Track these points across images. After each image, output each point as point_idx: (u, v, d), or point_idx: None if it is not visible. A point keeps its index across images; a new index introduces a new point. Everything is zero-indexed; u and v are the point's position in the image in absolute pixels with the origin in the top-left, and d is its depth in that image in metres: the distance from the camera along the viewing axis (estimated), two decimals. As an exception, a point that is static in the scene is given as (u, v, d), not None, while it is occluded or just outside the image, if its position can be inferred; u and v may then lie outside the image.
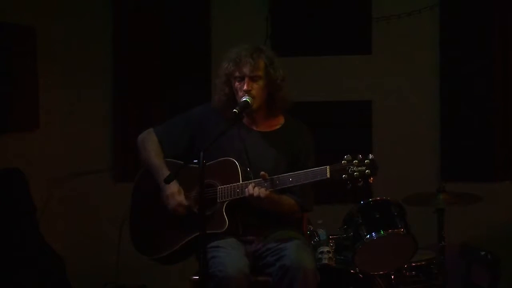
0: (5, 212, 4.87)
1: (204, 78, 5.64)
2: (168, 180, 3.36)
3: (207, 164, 3.43)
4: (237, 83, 3.54)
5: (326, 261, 3.90)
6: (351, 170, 3.24)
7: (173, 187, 3.50)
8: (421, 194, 4.38)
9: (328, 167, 3.29)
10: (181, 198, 3.50)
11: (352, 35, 5.55)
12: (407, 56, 5.53)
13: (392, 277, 4.07)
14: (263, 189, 3.36)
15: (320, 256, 3.89)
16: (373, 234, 3.88)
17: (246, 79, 3.50)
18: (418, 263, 4.15)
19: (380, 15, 5.45)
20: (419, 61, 5.53)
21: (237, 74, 3.52)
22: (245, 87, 3.50)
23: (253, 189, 3.36)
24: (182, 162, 3.46)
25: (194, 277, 3.51)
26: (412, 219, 4.02)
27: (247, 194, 3.38)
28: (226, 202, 3.45)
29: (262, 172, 3.40)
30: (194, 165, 3.30)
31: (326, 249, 3.94)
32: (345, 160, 3.27)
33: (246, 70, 3.50)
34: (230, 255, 3.33)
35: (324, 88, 5.34)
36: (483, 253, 4.72)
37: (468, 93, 5.44)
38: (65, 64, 5.67)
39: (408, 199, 4.26)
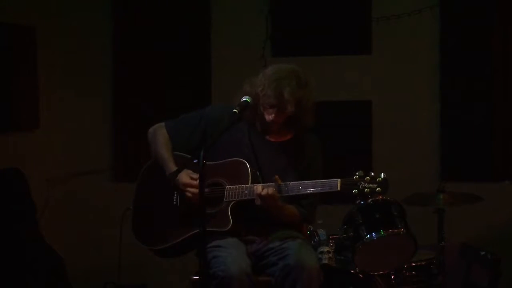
0: (5, 212, 4.87)
1: (204, 78, 5.65)
2: (172, 177, 3.36)
3: (217, 162, 3.49)
4: (266, 106, 3.47)
5: (326, 261, 3.90)
6: (362, 186, 3.25)
7: (183, 178, 3.49)
8: (421, 194, 4.38)
9: (339, 180, 3.30)
10: (195, 181, 3.47)
11: (352, 35, 5.55)
12: (407, 56, 5.53)
13: (392, 277, 4.06)
14: (271, 189, 3.36)
15: (320, 256, 3.89)
16: (373, 234, 3.88)
17: (276, 110, 3.46)
18: (418, 263, 4.14)
19: (380, 15, 5.45)
20: (419, 61, 5.53)
21: (271, 102, 3.45)
22: (272, 118, 3.47)
23: (262, 190, 3.37)
24: (189, 157, 3.46)
25: (194, 277, 3.51)
26: (412, 219, 4.02)
27: (255, 192, 3.38)
28: (232, 203, 3.45)
29: (276, 176, 3.41)
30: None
31: (326, 249, 3.94)
32: (357, 175, 3.28)
33: (280, 105, 3.43)
34: (232, 255, 3.33)
35: (324, 88, 5.33)
36: (483, 253, 4.71)
37: (468, 93, 5.43)
38: (65, 64, 5.68)
39: (408, 199, 4.26)
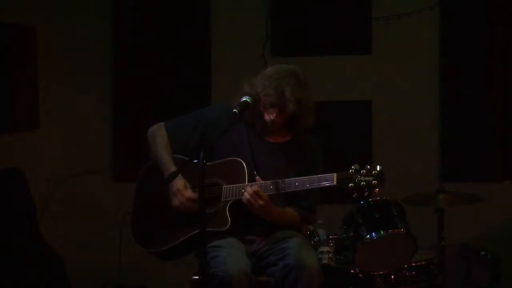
0: (5, 212, 4.87)
1: (204, 78, 5.65)
2: (170, 179, 3.36)
3: (214, 162, 3.48)
4: (267, 106, 3.46)
5: (326, 261, 3.90)
6: (358, 180, 3.25)
7: (179, 183, 3.49)
8: (421, 194, 4.38)
9: (335, 174, 3.30)
10: (188, 193, 3.48)
11: (352, 35, 5.55)
12: (407, 56, 5.53)
13: (392, 277, 4.06)
14: (254, 186, 3.36)
15: (320, 256, 3.89)
16: (373, 234, 3.88)
17: (277, 109, 3.45)
18: (418, 263, 4.14)
19: (380, 15, 5.45)
20: (419, 61, 5.53)
21: (272, 102, 3.44)
22: (273, 117, 3.46)
23: (247, 193, 3.37)
24: (188, 159, 3.46)
25: (194, 277, 3.51)
26: (412, 219, 4.02)
27: (244, 201, 3.38)
28: (230, 202, 3.45)
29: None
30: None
31: (326, 249, 3.95)
32: (352, 169, 3.28)
33: (281, 104, 3.42)
34: (231, 255, 3.33)
35: (324, 88, 5.34)
36: (483, 253, 4.72)
37: (468, 93, 5.43)
38: (65, 64, 5.68)
39: (408, 199, 4.26)
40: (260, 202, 3.37)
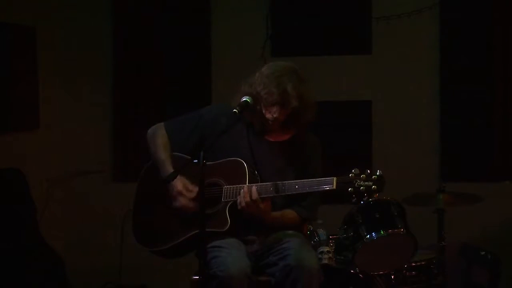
0: (5, 212, 4.87)
1: (204, 78, 5.65)
2: (169, 179, 3.36)
3: (214, 162, 3.47)
4: (269, 104, 3.44)
5: (326, 261, 3.90)
6: (357, 184, 3.23)
7: (178, 185, 3.49)
8: (421, 194, 4.38)
9: (335, 178, 3.29)
10: (189, 194, 3.47)
11: (352, 35, 5.55)
12: (407, 56, 5.53)
13: (392, 277, 4.06)
14: (254, 191, 3.37)
15: (320, 256, 3.89)
16: (373, 234, 3.88)
17: (279, 107, 3.44)
18: (418, 263, 4.15)
19: (380, 15, 5.45)
20: (419, 61, 5.53)
21: (275, 99, 3.42)
22: (276, 115, 3.45)
23: (242, 199, 3.37)
24: (189, 157, 3.45)
25: (194, 277, 3.51)
26: (412, 219, 4.02)
27: (238, 207, 3.38)
28: (230, 203, 3.45)
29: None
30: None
31: (326, 249, 3.94)
32: (352, 173, 3.26)
33: (284, 101, 3.41)
34: (231, 255, 3.33)
35: (324, 88, 5.34)
36: (483, 253, 4.72)
37: (468, 93, 5.44)
38: (65, 64, 5.68)
39: (408, 199, 4.26)
40: (255, 208, 3.38)
